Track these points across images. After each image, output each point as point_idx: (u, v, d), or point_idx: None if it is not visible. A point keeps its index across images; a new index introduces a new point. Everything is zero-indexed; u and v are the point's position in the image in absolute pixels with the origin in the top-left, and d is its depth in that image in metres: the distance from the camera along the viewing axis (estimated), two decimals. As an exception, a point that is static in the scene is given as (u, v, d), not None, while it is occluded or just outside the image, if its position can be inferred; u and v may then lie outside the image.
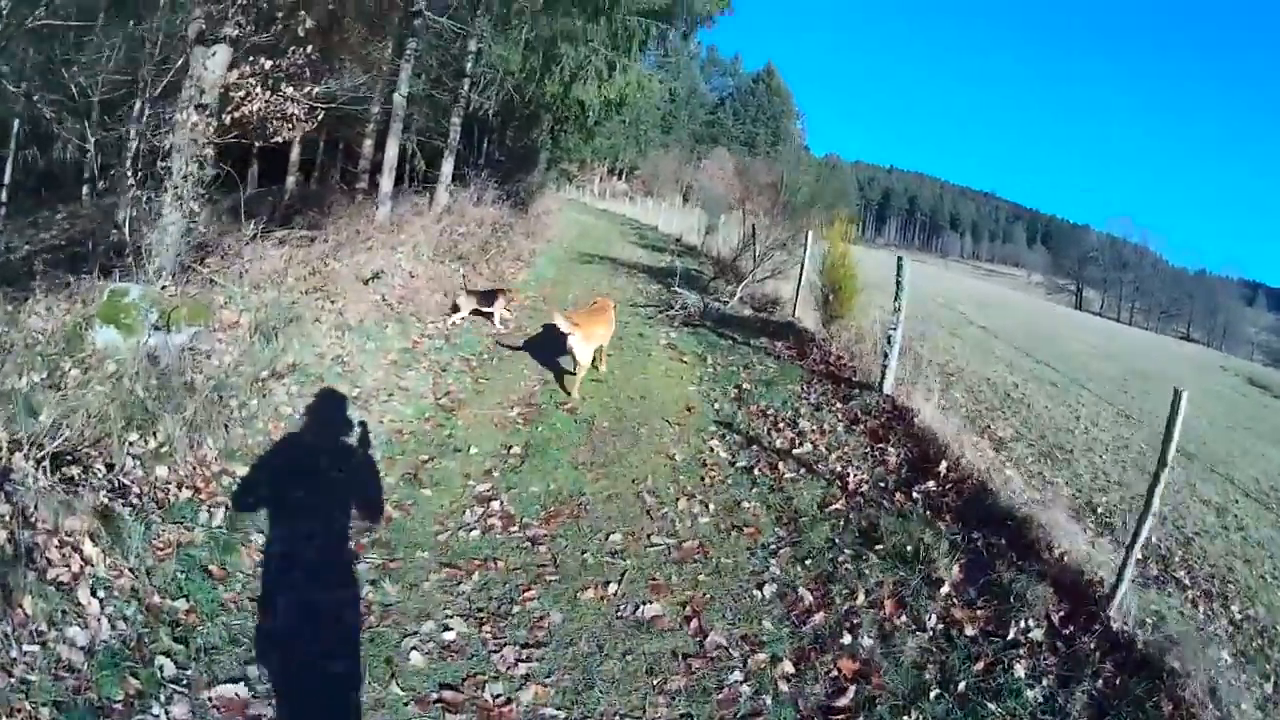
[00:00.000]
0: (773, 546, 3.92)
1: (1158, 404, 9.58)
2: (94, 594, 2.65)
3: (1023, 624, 3.18)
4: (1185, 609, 4.49)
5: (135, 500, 3.19)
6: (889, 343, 5.92)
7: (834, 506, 4.29)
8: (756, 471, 4.79)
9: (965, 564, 3.58)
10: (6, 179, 8.67)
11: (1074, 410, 8.84)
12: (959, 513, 4.03)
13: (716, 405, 6.07)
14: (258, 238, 6.58)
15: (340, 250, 7.56)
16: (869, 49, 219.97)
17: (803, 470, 4.77)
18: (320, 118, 6.51)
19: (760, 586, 3.54)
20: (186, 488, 3.49)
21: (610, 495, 4.39)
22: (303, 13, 5.93)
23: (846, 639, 3.15)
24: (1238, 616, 4.82)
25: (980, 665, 2.99)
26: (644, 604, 3.34)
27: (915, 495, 4.29)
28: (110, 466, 3.26)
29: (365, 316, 6.41)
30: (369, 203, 10.34)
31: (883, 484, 4.52)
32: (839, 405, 5.91)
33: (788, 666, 3.00)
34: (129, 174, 5.57)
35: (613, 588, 3.45)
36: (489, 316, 7.84)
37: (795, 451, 5.05)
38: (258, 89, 5.75)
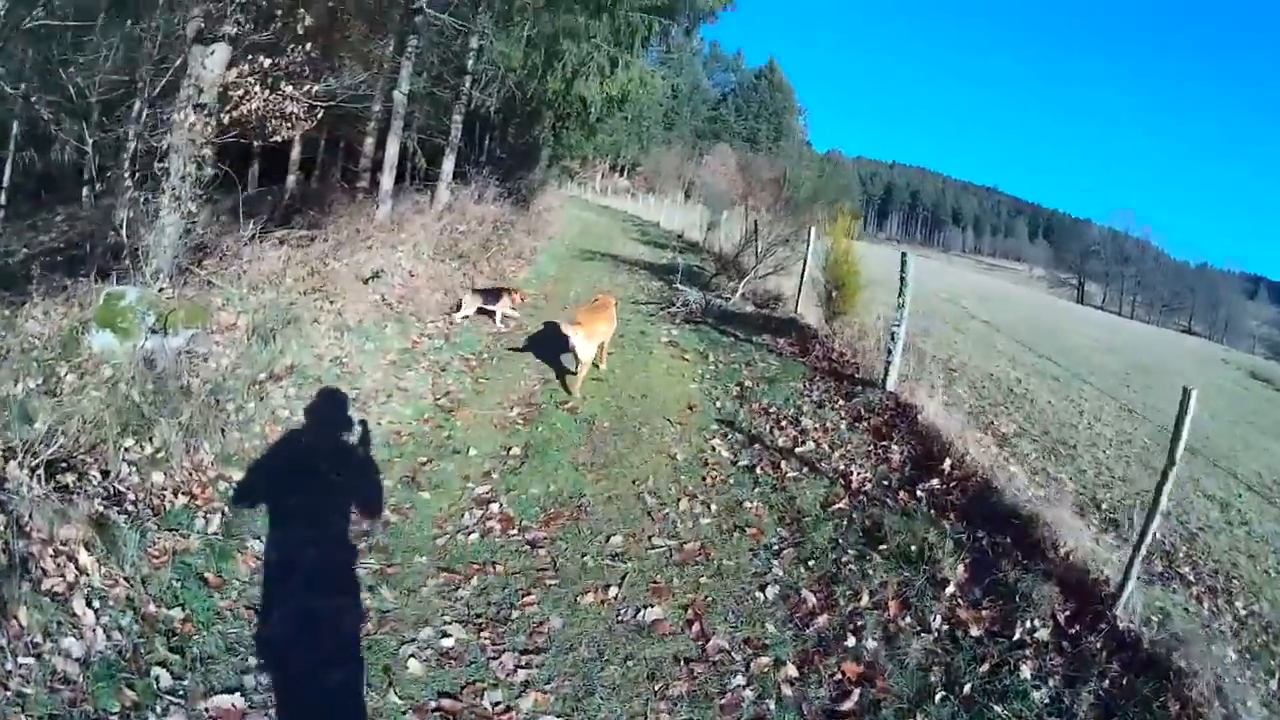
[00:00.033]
0: (775, 547, 3.88)
1: (1160, 398, 9.53)
2: (89, 604, 2.62)
3: (1028, 624, 3.15)
4: (1190, 605, 4.43)
5: (131, 507, 3.17)
6: (892, 339, 5.87)
7: (837, 506, 4.25)
8: (759, 471, 4.75)
9: (970, 563, 3.55)
10: (5, 181, 8.61)
11: (1077, 405, 8.76)
12: (963, 511, 3.99)
13: (718, 403, 6.03)
14: (256, 238, 6.55)
15: (340, 249, 7.52)
16: (871, 45, 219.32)
17: (805, 469, 4.73)
18: (320, 116, 6.49)
19: (763, 588, 3.51)
20: (182, 494, 3.46)
21: (611, 496, 4.35)
22: (302, 10, 5.90)
23: (850, 641, 3.12)
24: (1242, 612, 4.77)
25: (986, 667, 2.96)
26: (645, 607, 3.30)
27: (919, 494, 4.25)
28: (105, 473, 3.24)
29: (364, 316, 6.37)
30: (369, 201, 10.29)
31: (886, 482, 4.48)
32: (842, 402, 5.86)
33: (791, 670, 2.97)
34: (127, 175, 5.56)
35: (613, 591, 3.42)
36: (491, 315, 7.81)
37: (798, 450, 5.01)
38: (257, 88, 5.73)
